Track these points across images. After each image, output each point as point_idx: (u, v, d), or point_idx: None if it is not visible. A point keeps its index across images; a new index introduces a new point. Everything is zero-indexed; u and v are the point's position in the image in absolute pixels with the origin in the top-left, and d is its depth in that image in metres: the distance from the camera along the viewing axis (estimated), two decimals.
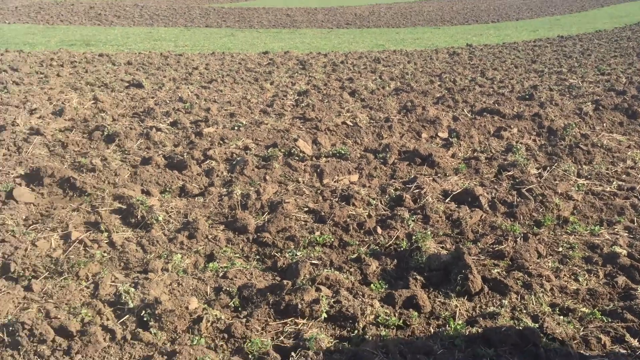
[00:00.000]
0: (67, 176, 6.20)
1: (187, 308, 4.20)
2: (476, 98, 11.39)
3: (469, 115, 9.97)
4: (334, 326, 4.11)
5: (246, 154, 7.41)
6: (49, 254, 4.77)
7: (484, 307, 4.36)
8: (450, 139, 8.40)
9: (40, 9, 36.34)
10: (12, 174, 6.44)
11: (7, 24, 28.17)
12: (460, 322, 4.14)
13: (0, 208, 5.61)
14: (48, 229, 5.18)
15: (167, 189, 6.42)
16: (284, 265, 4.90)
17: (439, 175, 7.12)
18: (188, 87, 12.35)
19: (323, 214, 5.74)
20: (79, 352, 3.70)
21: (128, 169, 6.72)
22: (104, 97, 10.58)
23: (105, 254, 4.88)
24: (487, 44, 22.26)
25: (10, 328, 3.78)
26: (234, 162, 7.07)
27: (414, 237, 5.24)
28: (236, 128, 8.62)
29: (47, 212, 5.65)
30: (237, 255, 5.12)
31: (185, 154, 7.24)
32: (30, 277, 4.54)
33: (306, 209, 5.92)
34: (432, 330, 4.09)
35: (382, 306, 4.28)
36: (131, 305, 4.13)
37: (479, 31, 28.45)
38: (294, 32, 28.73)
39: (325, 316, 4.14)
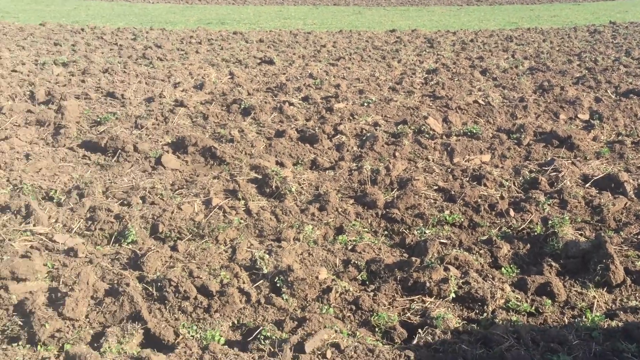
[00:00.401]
0: (209, 145, 6.59)
1: (317, 278, 4.31)
2: (621, 79, 10.56)
3: (613, 96, 9.27)
4: (461, 307, 4.04)
5: (376, 130, 7.43)
6: (192, 218, 5.09)
7: (625, 300, 4.08)
8: (591, 121, 7.87)
9: None
10: (160, 141, 6.97)
11: (150, 4, 30.16)
12: (598, 314, 3.91)
13: (150, 173, 6.10)
14: (192, 194, 5.54)
15: (300, 162, 6.62)
16: (412, 243, 4.88)
17: (578, 158, 6.71)
18: (317, 64, 12.56)
19: (453, 193, 5.63)
20: (217, 310, 3.94)
21: (263, 141, 7.01)
22: (239, 72, 11.05)
23: (242, 221, 5.13)
24: (634, 21, 20.45)
25: (159, 284, 4.09)
26: (364, 138, 7.12)
27: (550, 222, 4.99)
28: (365, 104, 8.66)
29: (190, 178, 6.05)
30: (366, 229, 5.17)
31: (316, 128, 7.41)
32: (175, 238, 4.88)
33: (436, 187, 5.85)
34: (567, 320, 3.89)
35: (513, 291, 4.15)
36: (265, 271, 4.32)
37: (624, 7, 26.21)
38: (422, 10, 28.17)
39: (454, 296, 4.08)
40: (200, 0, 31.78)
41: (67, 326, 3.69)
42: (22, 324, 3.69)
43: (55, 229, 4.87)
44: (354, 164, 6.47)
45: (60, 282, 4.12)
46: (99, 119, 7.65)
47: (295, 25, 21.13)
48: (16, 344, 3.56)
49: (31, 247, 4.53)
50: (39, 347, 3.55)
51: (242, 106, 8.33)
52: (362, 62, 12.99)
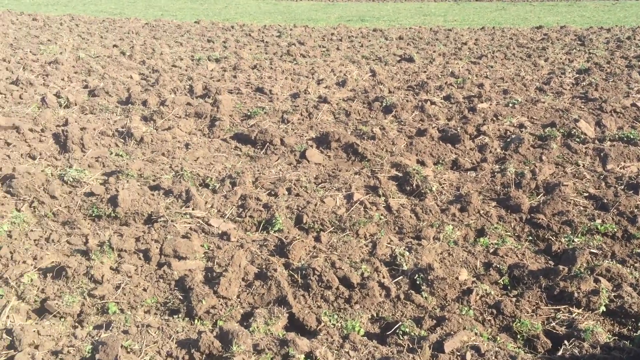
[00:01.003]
0: (351, 142, 6.77)
1: (457, 278, 4.29)
2: None
3: None
4: (612, 322, 3.84)
5: (521, 132, 7.19)
6: (334, 211, 5.26)
7: None
8: None
9: None
10: (305, 136, 7.27)
11: (294, 2, 31.20)
12: None
13: (295, 166, 6.39)
14: (334, 188, 5.73)
15: (440, 161, 6.58)
16: (558, 250, 4.69)
17: None
18: (458, 62, 12.33)
19: (606, 201, 5.32)
20: (357, 302, 4.06)
21: (404, 139, 7.06)
22: (380, 70, 11.16)
23: (382, 217, 5.22)
24: None
25: (303, 272, 4.30)
26: (508, 140, 6.92)
27: None
28: (510, 105, 8.39)
29: (333, 173, 6.25)
30: (509, 233, 5.05)
31: (458, 128, 7.31)
32: (318, 230, 5.09)
33: (586, 194, 5.55)
34: None
35: None
36: (405, 268, 4.37)
37: None
38: (572, 5, 26.51)
39: (604, 309, 3.88)
40: None
41: (221, 304, 4.00)
42: (181, 298, 4.05)
43: (210, 214, 5.26)
44: (497, 166, 6.32)
45: (215, 263, 4.47)
46: (249, 113, 8.12)
47: (436, 22, 20.85)
48: (176, 316, 3.91)
49: (190, 229, 4.95)
50: (196, 321, 3.89)
51: (384, 104, 8.43)
52: (505, 61, 12.55)
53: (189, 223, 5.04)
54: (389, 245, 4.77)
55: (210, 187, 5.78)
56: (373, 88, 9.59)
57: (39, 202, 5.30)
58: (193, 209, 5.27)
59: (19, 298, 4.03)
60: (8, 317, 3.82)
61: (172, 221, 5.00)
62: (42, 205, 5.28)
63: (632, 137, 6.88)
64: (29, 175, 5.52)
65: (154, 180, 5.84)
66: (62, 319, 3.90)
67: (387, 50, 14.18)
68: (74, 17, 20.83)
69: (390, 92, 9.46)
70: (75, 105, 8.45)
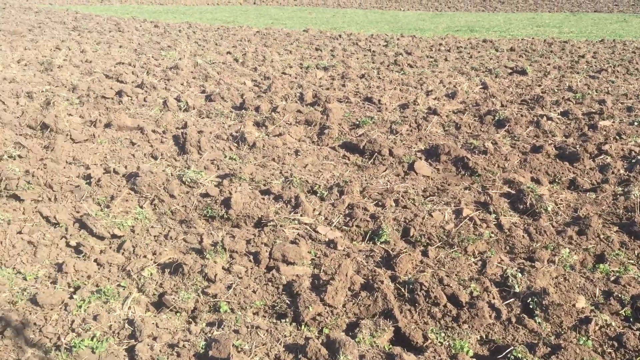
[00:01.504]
0: (461, 155, 6.62)
1: (574, 305, 4.07)
2: None
3: None
4: None
5: None
6: (442, 226, 5.16)
7: None
8: None
9: None
10: (413, 148, 7.20)
11: (401, 11, 31.07)
12: None
13: (403, 177, 6.34)
14: (442, 202, 5.62)
15: (557, 180, 6.28)
16: None
17: None
18: (574, 76, 11.74)
19: None
20: (466, 322, 3.95)
21: (518, 155, 6.80)
22: (491, 82, 10.85)
23: (493, 235, 5.06)
24: None
25: (410, 286, 4.24)
26: (633, 161, 6.48)
27: None
28: (636, 124, 7.86)
29: (441, 186, 6.14)
30: (632, 261, 4.72)
31: (577, 146, 6.95)
32: (425, 244, 5.01)
33: None
34: None
35: None
36: (517, 290, 4.20)
37: None
38: None
39: None
40: (449, 8, 31.87)
41: (327, 312, 4.03)
42: (289, 303, 4.12)
43: (318, 221, 5.33)
44: (620, 188, 5.93)
45: (321, 270, 4.51)
46: (357, 122, 8.16)
47: (550, 34, 19.99)
48: (283, 320, 3.99)
49: (298, 234, 5.03)
50: (302, 326, 3.94)
51: (496, 118, 8.17)
52: (628, 76, 11.80)
53: (297, 229, 5.13)
54: (499, 264, 4.61)
55: (318, 195, 5.86)
56: (484, 101, 9.33)
57: (160, 200, 5.61)
58: (301, 215, 5.36)
59: (139, 290, 4.27)
60: (130, 307, 4.06)
61: (281, 226, 5.11)
62: (162, 203, 5.58)
63: None
64: (151, 174, 5.85)
65: (264, 185, 6.00)
66: (178, 314, 4.08)
67: (497, 62, 13.77)
68: (191, 25, 21.94)
69: (502, 105, 9.16)
70: (194, 109, 8.88)
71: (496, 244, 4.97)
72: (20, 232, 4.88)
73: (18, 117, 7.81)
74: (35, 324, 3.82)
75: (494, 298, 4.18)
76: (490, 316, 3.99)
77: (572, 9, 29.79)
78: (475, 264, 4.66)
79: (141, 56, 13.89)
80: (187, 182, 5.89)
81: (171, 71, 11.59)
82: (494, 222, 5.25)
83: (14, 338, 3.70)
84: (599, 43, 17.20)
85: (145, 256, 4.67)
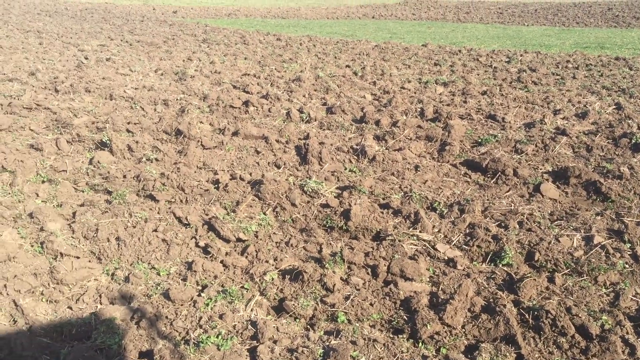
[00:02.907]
0: (593, 179, 6.26)
1: None
2: None
3: None
4: None
5: None
6: (570, 252, 4.90)
7: None
8: None
9: (557, 11, 37.37)
10: (540, 169, 6.91)
11: (525, 26, 29.97)
12: None
13: (528, 199, 6.10)
14: (571, 227, 5.34)
15: None
16: None
17: None
18: None
19: None
20: (595, 355, 3.72)
21: None
22: (627, 103, 10.17)
23: (627, 266, 4.73)
24: None
25: (535, 312, 4.07)
26: None
27: None
28: None
29: (570, 210, 5.83)
30: None
31: None
32: (551, 269, 4.78)
33: None
34: None
35: None
36: None
37: None
38: None
39: None
40: (577, 23, 30.29)
41: (445, 331, 3.96)
42: (406, 319, 4.09)
43: (437, 238, 5.26)
44: None
45: (440, 289, 4.45)
46: (480, 140, 7.97)
47: None
48: (400, 336, 3.97)
49: (417, 251, 4.99)
50: (419, 344, 3.89)
51: (633, 141, 7.64)
52: None
53: (416, 245, 5.09)
54: (634, 298, 4.31)
55: (437, 212, 5.78)
56: (619, 123, 8.75)
57: (282, 207, 5.79)
58: (420, 232, 5.32)
59: (261, 294, 4.43)
60: (252, 309, 4.22)
61: (399, 241, 5.09)
62: (283, 211, 5.76)
63: None
64: (275, 182, 6.07)
65: (383, 199, 6.02)
66: (297, 320, 4.19)
67: (632, 82, 12.88)
68: (311, 38, 22.53)
69: (639, 128, 8.55)
70: (315, 120, 9.11)
71: (631, 276, 4.65)
72: (155, 230, 5.24)
73: (156, 123, 8.40)
74: (167, 317, 4.08)
75: (627, 333, 3.92)
76: (623, 352, 3.75)
77: None
78: (607, 295, 4.39)
79: (265, 68, 14.45)
80: (308, 192, 6.04)
81: (293, 83, 11.96)
82: (629, 252, 4.92)
83: (148, 329, 3.97)
84: None
85: (267, 261, 4.84)
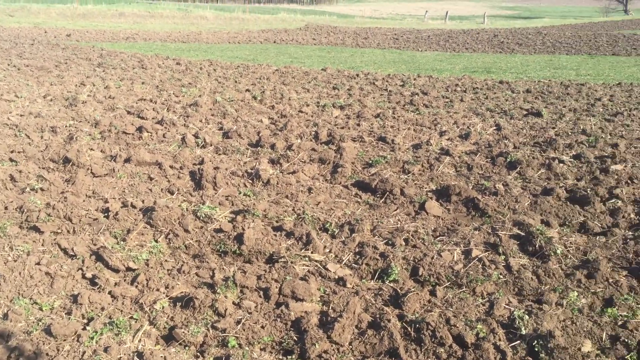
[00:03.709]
0: (472, 196, 6.69)
1: (579, 349, 4.08)
2: None
3: None
4: None
5: None
6: (451, 266, 5.21)
7: None
8: None
9: (449, 37, 39.54)
10: (425, 188, 7.29)
11: (419, 52, 31.45)
12: None
13: (414, 217, 6.42)
14: (452, 242, 5.68)
15: (567, 223, 6.31)
16: None
17: None
18: (590, 119, 11.79)
19: None
20: None
21: (528, 197, 6.85)
22: (505, 124, 10.95)
23: (502, 277, 5.09)
24: None
25: (417, 325, 4.29)
26: None
27: None
28: None
29: (451, 226, 6.20)
30: None
31: (588, 189, 6.98)
32: (434, 283, 5.05)
33: None
34: None
35: None
36: (523, 332, 4.22)
37: None
38: None
39: None
40: (467, 49, 32.18)
41: (333, 349, 4.08)
42: (296, 339, 4.18)
43: (328, 258, 5.42)
44: (630, 233, 5.94)
45: (330, 307, 4.59)
46: (371, 161, 8.29)
47: (567, 76, 20.10)
48: (290, 357, 4.05)
49: (308, 271, 5.12)
50: None
51: (508, 159, 8.25)
52: None
53: (308, 266, 5.22)
54: (507, 306, 4.64)
55: (329, 232, 5.95)
56: (497, 142, 9.42)
57: (174, 234, 5.74)
58: (312, 252, 5.45)
59: (150, 323, 4.37)
60: (140, 340, 4.15)
61: (291, 262, 5.20)
62: (176, 238, 5.71)
63: None
64: (167, 208, 6.01)
65: (277, 222, 6.12)
66: (186, 348, 4.16)
67: (513, 104, 13.87)
68: (212, 62, 22.45)
69: (515, 147, 9.23)
70: (211, 145, 9.10)
71: (505, 286, 5.01)
72: (38, 264, 5.03)
73: (42, 151, 8.07)
74: (47, 354, 3.92)
75: (500, 340, 4.20)
76: (495, 358, 4.01)
77: (590, 52, 29.92)
78: (483, 305, 4.69)
79: (162, 93, 14.25)
80: (201, 217, 6.03)
81: (190, 108, 11.88)
82: (503, 264, 5.29)
83: None
84: (616, 86, 17.25)
85: (158, 289, 4.78)
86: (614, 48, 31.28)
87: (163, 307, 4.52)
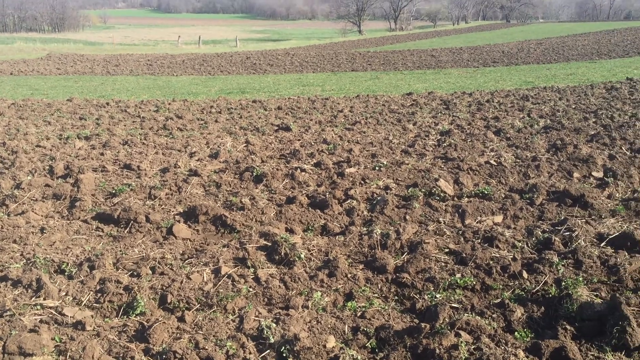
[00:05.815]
0: (220, 214, 6.65)
1: (324, 346, 4.23)
2: (637, 135, 10.48)
3: (628, 153, 9.19)
4: None
5: (386, 193, 7.44)
6: (201, 287, 5.08)
7: None
8: (605, 179, 7.78)
9: (203, 61, 39.88)
10: (172, 211, 7.05)
11: (174, 76, 31.14)
12: None
13: (161, 243, 6.15)
14: (201, 263, 5.55)
15: (310, 227, 6.61)
16: (422, 308, 4.78)
17: (592, 217, 6.60)
18: (333, 130, 12.73)
19: (464, 255, 5.56)
20: None
21: (274, 208, 7.05)
22: (255, 140, 11.25)
23: (251, 289, 5.11)
24: None
25: (164, 356, 4.06)
26: (375, 202, 7.12)
27: (563, 283, 4.87)
28: (377, 168, 8.71)
29: (201, 247, 6.07)
30: (376, 295, 5.10)
31: (327, 193, 7.43)
32: (184, 309, 4.86)
33: (447, 250, 5.77)
34: None
35: (527, 356, 4.01)
36: (272, 341, 4.26)
37: None
38: (439, 73, 28.59)
39: None
40: (222, 72, 32.74)
41: None
42: None
43: (65, 302, 4.89)
44: (365, 229, 6.44)
45: (67, 356, 4.11)
46: (114, 191, 7.79)
47: (314, 92, 21.57)
48: None
49: (40, 321, 4.55)
50: None
51: (255, 174, 8.44)
52: (377, 126, 13.13)
53: (40, 315, 4.64)
54: (256, 318, 4.64)
55: (66, 273, 5.39)
56: (245, 158, 9.60)
57: None
58: (44, 299, 4.87)
59: None
60: None
61: (19, 314, 4.57)
62: None
63: (486, 192, 7.35)
64: None
65: (1, 271, 5.36)
66: None
67: (265, 121, 14.38)
68: None
69: (262, 161, 9.51)
70: None
71: (255, 298, 5.02)
72: None
73: None
74: None
75: (250, 353, 4.17)
76: None
77: (332, 69, 32.58)
78: (234, 321, 4.64)
79: None
80: None
81: None
82: (252, 276, 5.31)
83: None
84: (355, 98, 18.96)
85: None
86: (352, 65, 34.57)
87: None
